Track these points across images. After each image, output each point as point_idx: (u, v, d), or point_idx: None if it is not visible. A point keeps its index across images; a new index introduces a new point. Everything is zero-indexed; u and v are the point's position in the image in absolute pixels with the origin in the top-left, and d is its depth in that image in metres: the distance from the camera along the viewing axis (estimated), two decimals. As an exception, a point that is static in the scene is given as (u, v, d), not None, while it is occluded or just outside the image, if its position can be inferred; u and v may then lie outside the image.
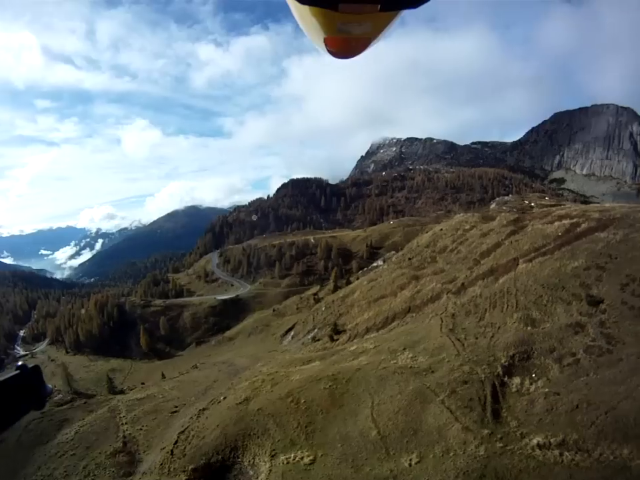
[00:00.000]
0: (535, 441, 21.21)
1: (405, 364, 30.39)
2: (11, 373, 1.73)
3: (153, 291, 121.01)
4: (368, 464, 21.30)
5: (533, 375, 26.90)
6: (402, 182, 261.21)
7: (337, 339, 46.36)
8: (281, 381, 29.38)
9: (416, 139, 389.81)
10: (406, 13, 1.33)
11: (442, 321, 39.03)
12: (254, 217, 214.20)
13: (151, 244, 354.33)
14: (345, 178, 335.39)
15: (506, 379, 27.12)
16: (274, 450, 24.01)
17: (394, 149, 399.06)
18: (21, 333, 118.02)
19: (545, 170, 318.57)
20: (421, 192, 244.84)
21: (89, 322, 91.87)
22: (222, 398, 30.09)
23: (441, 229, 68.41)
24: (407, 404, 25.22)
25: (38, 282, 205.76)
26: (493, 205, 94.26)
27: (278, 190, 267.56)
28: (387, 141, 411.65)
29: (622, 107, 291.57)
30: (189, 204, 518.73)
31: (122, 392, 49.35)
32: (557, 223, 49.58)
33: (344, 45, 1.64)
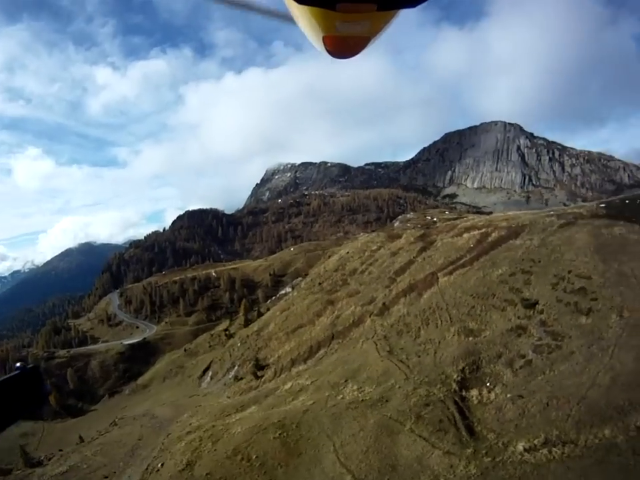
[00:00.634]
0: (520, 447, 25.38)
1: (354, 397, 33.52)
2: (10, 373, 2.26)
3: (55, 341, 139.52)
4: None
5: (488, 384, 33.16)
6: (298, 207, 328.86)
7: (262, 376, 53.38)
8: (221, 436, 31.64)
9: (310, 163, 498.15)
10: (403, 12, 1.72)
11: (376, 345, 44.00)
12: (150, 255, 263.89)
13: (46, 287, 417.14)
14: (240, 207, 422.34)
15: (464, 393, 32.66)
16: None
17: (289, 174, 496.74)
18: None
19: (438, 187, 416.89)
20: (317, 216, 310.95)
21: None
22: (159, 465, 32.43)
23: (348, 252, 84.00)
24: (373, 440, 27.31)
25: None
26: (396, 223, 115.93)
27: (174, 222, 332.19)
28: (282, 167, 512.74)
29: (509, 123, 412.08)
30: (83, 240, 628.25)
31: (40, 463, 53.81)
32: (465, 235, 65.11)
33: (342, 44, 2.04)
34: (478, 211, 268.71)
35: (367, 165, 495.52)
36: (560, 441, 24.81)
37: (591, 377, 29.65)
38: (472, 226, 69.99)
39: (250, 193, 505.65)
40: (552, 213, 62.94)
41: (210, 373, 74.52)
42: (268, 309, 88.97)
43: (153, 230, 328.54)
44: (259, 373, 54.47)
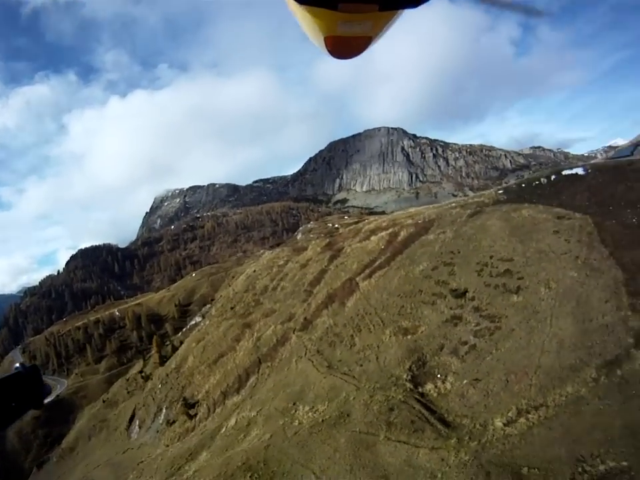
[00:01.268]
0: (498, 424, 29.44)
1: (312, 420, 34.98)
2: (10, 372, 2.57)
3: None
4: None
5: (439, 376, 37.51)
6: (192, 232, 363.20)
7: (195, 414, 55.43)
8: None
9: (199, 186, 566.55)
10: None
11: (312, 362, 46.44)
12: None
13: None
14: (133, 238, 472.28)
15: (420, 389, 36.50)
16: None
17: (178, 200, 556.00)
18: None
19: (328, 194, 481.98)
20: (213, 238, 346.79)
21: None
22: None
23: (255, 270, 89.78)
24: (353, 457, 28.93)
25: None
26: (299, 235, 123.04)
27: (67, 263, 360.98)
28: (170, 193, 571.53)
29: (392, 128, 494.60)
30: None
31: None
32: (373, 238, 71.84)
33: (344, 44, 2.52)
34: (371, 212, 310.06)
35: (255, 182, 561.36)
36: (532, 408, 29.48)
37: (538, 347, 35.89)
38: (377, 228, 77.43)
39: (141, 222, 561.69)
40: (454, 204, 72.09)
41: (137, 422, 78.19)
42: (181, 342, 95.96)
43: (47, 274, 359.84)
44: (190, 412, 56.83)
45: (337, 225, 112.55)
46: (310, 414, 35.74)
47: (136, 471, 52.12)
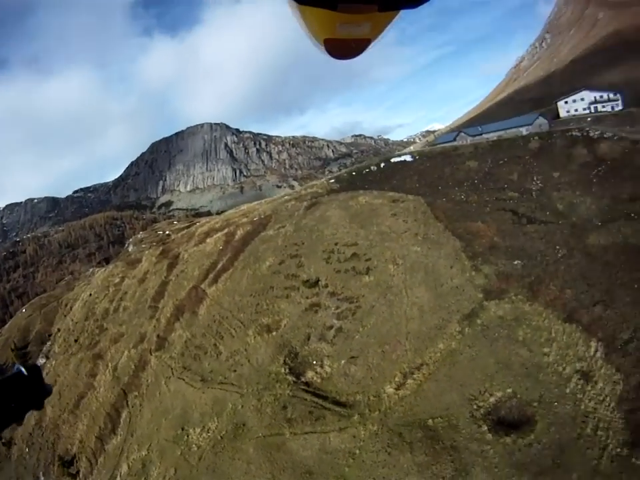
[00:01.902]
0: (390, 390, 33.20)
1: (209, 439, 34.89)
2: (10, 372, 2.79)
3: None
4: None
5: (314, 362, 40.38)
6: (14, 259, 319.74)
7: (77, 472, 49.36)
8: None
9: (16, 204, 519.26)
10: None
11: (184, 380, 45.09)
12: None
13: None
14: None
15: (302, 379, 38.72)
16: None
17: None
18: None
19: (152, 198, 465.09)
20: (36, 264, 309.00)
21: None
22: None
23: (90, 294, 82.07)
24: (270, 463, 30.18)
25: None
26: (130, 247, 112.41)
27: None
28: None
29: (215, 124, 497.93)
30: None
31: None
32: (209, 240, 70.96)
33: (343, 45, 2.48)
34: (197, 212, 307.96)
35: (75, 192, 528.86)
36: (414, 369, 33.72)
37: (401, 316, 40.84)
38: (210, 229, 76.30)
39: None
40: (288, 198, 75.27)
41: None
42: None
43: None
44: (71, 471, 50.96)
45: (167, 232, 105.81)
46: (204, 435, 35.22)
47: None
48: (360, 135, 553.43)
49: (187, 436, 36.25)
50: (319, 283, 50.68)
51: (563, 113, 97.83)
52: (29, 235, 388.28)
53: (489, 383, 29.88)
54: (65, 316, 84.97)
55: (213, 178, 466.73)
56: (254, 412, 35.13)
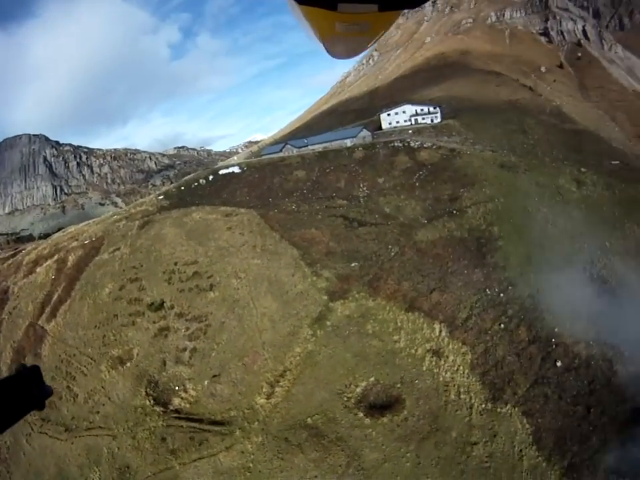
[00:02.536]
0: (262, 401, 33.71)
1: None
2: (11, 373, 2.91)
3: None
4: None
5: (176, 388, 39.19)
6: None
7: None
8: None
9: None
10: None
11: (47, 433, 40.33)
12: None
13: None
14: None
15: (171, 406, 37.05)
16: None
17: None
18: None
19: None
20: None
21: None
22: None
23: None
24: None
25: None
26: None
27: None
28: None
29: (34, 135, 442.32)
30: None
31: None
32: (39, 269, 62.94)
33: (343, 44, 2.66)
34: (18, 237, 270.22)
35: None
36: (278, 376, 35.05)
37: (253, 328, 41.32)
38: (39, 257, 67.65)
39: None
40: (118, 217, 70.34)
41: None
42: None
43: None
44: None
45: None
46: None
47: None
48: (183, 147, 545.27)
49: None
50: (164, 305, 48.68)
51: (385, 125, 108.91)
52: None
53: (352, 375, 32.01)
54: None
55: (33, 197, 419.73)
56: (133, 451, 33.25)
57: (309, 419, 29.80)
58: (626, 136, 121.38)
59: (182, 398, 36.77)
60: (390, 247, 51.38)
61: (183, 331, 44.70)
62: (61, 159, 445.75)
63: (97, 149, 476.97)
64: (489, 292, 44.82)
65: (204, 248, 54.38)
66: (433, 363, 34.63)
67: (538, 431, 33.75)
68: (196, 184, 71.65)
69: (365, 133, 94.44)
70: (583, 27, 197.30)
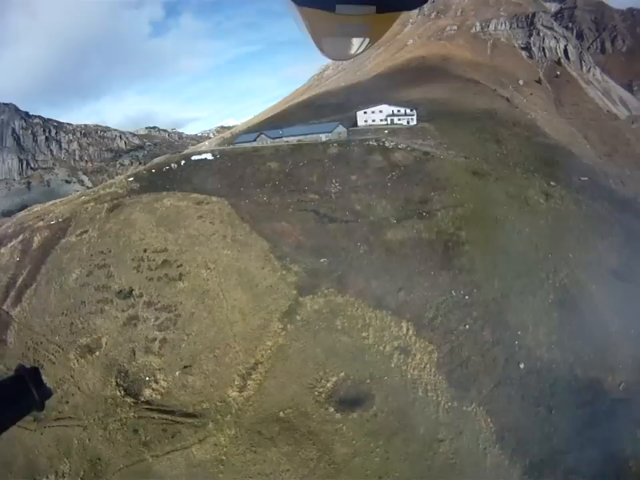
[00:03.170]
0: (234, 394, 34.42)
1: None
2: (10, 374, 2.86)
3: None
4: None
5: (147, 379, 39.33)
6: None
7: None
8: None
9: None
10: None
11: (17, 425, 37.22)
12: None
13: None
14: None
15: (142, 398, 37.21)
16: None
17: None
18: None
19: None
20: None
21: None
22: None
23: None
24: None
25: None
26: None
27: None
28: None
29: (4, 104, 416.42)
30: None
31: None
32: (4, 250, 60.51)
33: (342, 46, 2.72)
34: None
35: None
36: (250, 369, 35.94)
37: (224, 320, 41.83)
38: (3, 236, 65.48)
39: None
40: (86, 198, 68.95)
41: None
42: None
43: None
44: None
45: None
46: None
47: None
48: (154, 128, 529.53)
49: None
50: (133, 293, 48.54)
51: (361, 122, 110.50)
52: None
53: (322, 370, 33.10)
54: None
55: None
56: (105, 443, 33.28)
57: (281, 413, 30.78)
58: (596, 153, 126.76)
59: (153, 389, 36.95)
60: (359, 244, 52.66)
61: (153, 320, 44.75)
62: (29, 132, 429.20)
63: (67, 124, 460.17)
64: (454, 293, 46.69)
65: (174, 235, 54.29)
66: (401, 360, 36.15)
67: (501, 430, 35.92)
68: (167, 168, 71.01)
69: (340, 128, 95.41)
70: (565, 46, 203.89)
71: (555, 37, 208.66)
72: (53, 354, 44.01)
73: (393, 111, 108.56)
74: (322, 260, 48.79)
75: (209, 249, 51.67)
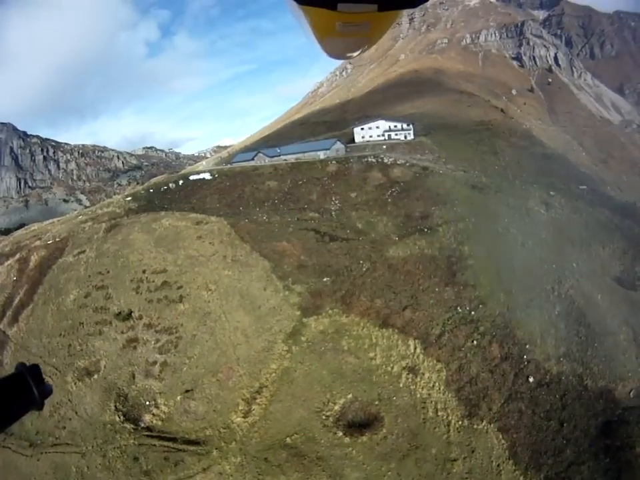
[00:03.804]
0: (238, 419, 33.73)
1: None
2: (9, 372, 2.74)
3: None
4: None
5: (147, 403, 38.64)
6: None
7: None
8: None
9: None
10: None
11: (10, 448, 38.64)
12: None
13: None
14: None
15: (142, 424, 36.39)
16: None
17: None
18: None
19: None
20: None
21: None
22: None
23: None
24: None
25: None
26: None
27: None
28: None
29: (2, 123, 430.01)
30: None
31: None
32: (0, 268, 60.11)
33: (343, 45, 2.69)
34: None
35: None
36: (255, 393, 35.12)
37: (226, 343, 41.18)
38: None
39: None
40: (84, 218, 69.00)
41: None
42: None
43: None
44: None
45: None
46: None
47: None
48: (151, 148, 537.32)
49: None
50: (132, 315, 47.96)
51: (358, 138, 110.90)
52: None
53: (329, 393, 32.45)
54: None
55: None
56: (104, 471, 32.23)
57: (288, 439, 29.96)
58: (592, 160, 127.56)
59: (153, 414, 36.06)
60: (361, 262, 52.30)
61: (153, 343, 44.05)
62: (27, 151, 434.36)
63: (65, 144, 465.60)
64: (460, 310, 46.26)
65: (173, 256, 53.93)
66: (410, 380, 35.55)
67: (514, 445, 35.35)
68: (165, 187, 71.04)
69: (338, 145, 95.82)
70: (555, 54, 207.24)
71: (545, 45, 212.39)
72: (50, 376, 43.21)
73: (389, 126, 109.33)
74: (325, 279, 48.41)
75: (209, 270, 51.27)
